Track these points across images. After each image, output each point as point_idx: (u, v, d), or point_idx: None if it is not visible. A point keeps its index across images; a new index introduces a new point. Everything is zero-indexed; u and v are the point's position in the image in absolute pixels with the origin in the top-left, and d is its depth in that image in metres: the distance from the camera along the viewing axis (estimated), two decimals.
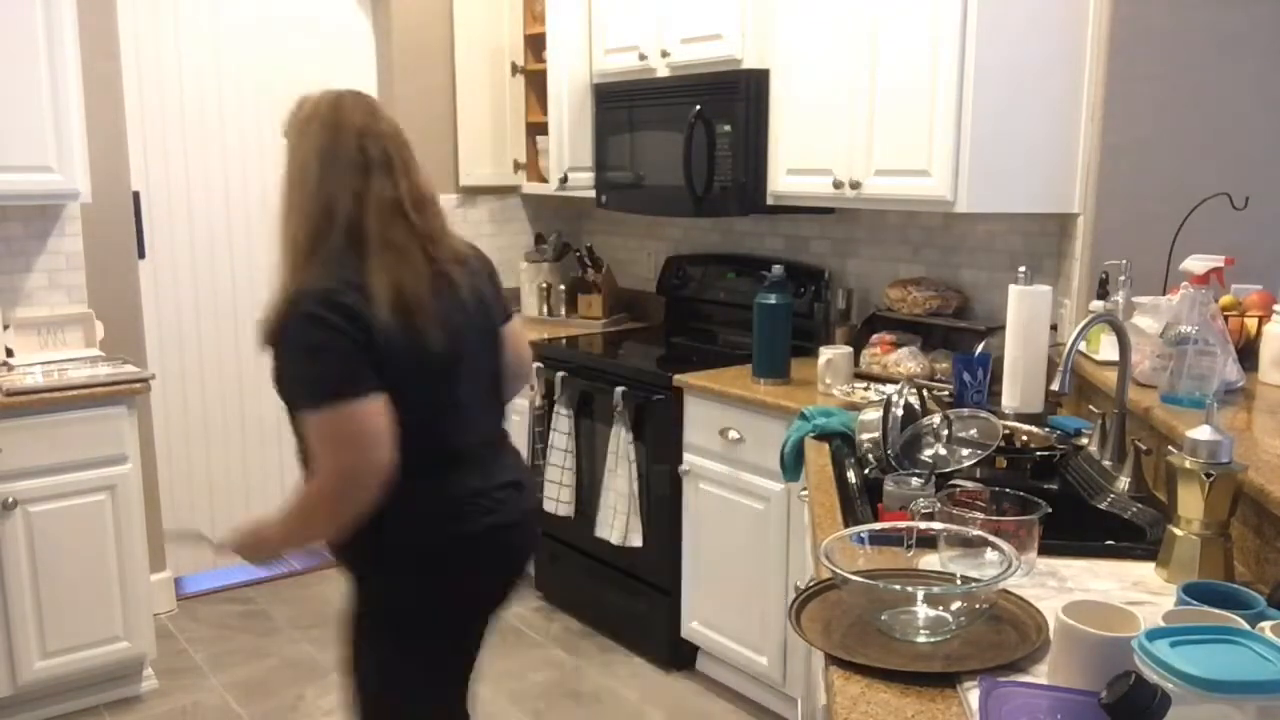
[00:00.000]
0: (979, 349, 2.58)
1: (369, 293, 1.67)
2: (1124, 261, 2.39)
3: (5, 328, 3.18)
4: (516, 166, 4.25)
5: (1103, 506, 1.88)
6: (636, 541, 3.27)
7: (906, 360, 2.91)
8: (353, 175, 1.74)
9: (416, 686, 1.90)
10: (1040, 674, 1.22)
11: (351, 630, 1.92)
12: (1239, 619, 1.11)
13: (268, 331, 1.69)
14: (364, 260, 1.71)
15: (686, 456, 3.13)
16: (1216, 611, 1.15)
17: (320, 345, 1.65)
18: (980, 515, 1.54)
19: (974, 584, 1.36)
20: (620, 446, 3.25)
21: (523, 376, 2.07)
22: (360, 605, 1.91)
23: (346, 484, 1.68)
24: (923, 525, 1.54)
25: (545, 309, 4.16)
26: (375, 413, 1.66)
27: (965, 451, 2.01)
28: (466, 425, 1.85)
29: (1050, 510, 1.57)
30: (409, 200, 1.79)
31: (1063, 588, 1.49)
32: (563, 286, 4.15)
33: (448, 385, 1.80)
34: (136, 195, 3.56)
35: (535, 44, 4.04)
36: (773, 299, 2.96)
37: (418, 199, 1.82)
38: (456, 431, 1.83)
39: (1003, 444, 2.06)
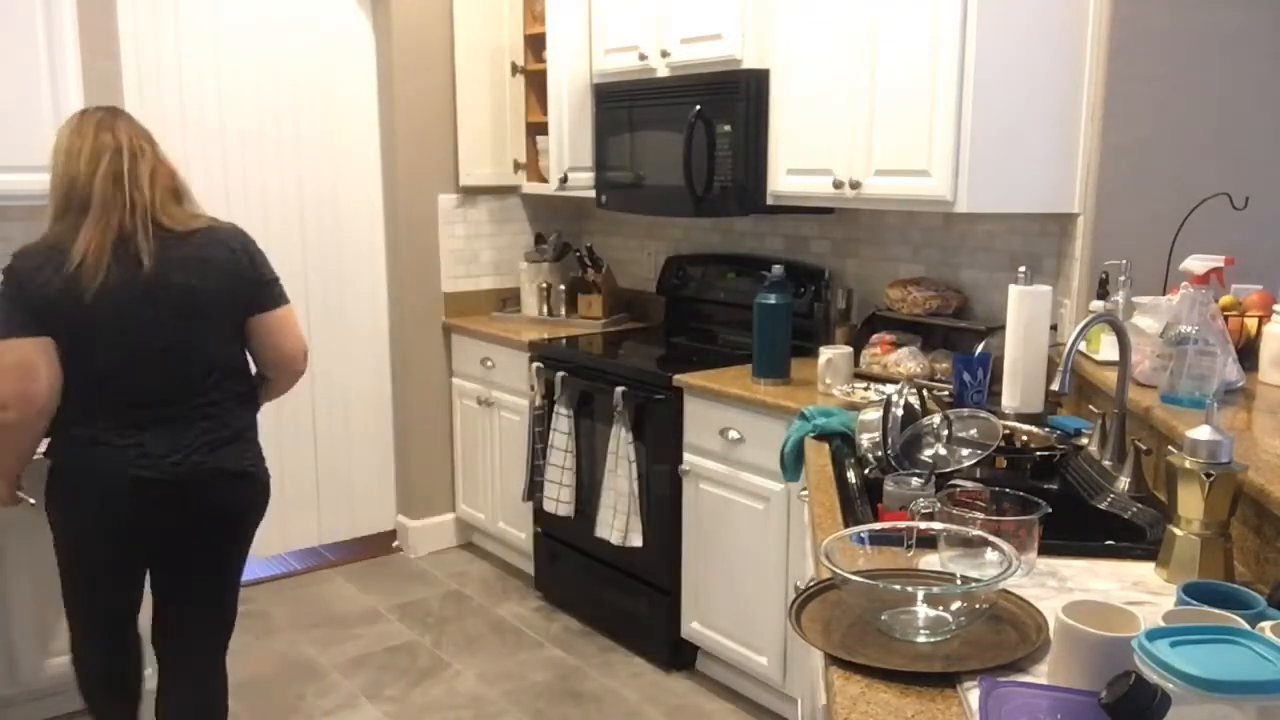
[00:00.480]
0: (979, 349, 2.58)
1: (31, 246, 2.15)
2: (1124, 261, 2.39)
3: None
4: (516, 166, 4.25)
5: (1103, 506, 1.88)
6: (636, 541, 3.27)
7: (906, 360, 2.91)
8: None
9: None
10: (1040, 674, 1.22)
11: None
12: (1239, 619, 1.11)
13: None
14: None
15: (686, 456, 3.13)
16: (1216, 611, 1.15)
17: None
18: (980, 515, 1.54)
19: (974, 584, 1.36)
20: (620, 446, 3.25)
21: (284, 364, 2.34)
22: None
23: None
24: (923, 525, 1.54)
25: (545, 309, 4.16)
26: (20, 349, 2.08)
27: (965, 451, 2.01)
28: (111, 379, 2.13)
29: (1050, 510, 1.57)
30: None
31: (1063, 588, 1.49)
32: (563, 286, 4.15)
33: (89, 334, 2.11)
34: None
35: (535, 44, 4.05)
36: (773, 299, 2.96)
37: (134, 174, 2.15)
38: (94, 387, 2.14)
39: (1003, 444, 2.06)
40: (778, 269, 3.00)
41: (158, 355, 2.13)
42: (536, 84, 4.07)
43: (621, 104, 3.57)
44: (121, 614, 2.36)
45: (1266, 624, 1.08)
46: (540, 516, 3.71)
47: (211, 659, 2.39)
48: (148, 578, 2.35)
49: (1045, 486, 2.01)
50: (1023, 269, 2.35)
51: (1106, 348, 2.36)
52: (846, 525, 1.77)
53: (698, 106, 3.20)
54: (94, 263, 2.06)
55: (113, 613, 2.35)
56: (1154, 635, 1.00)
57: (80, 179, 2.11)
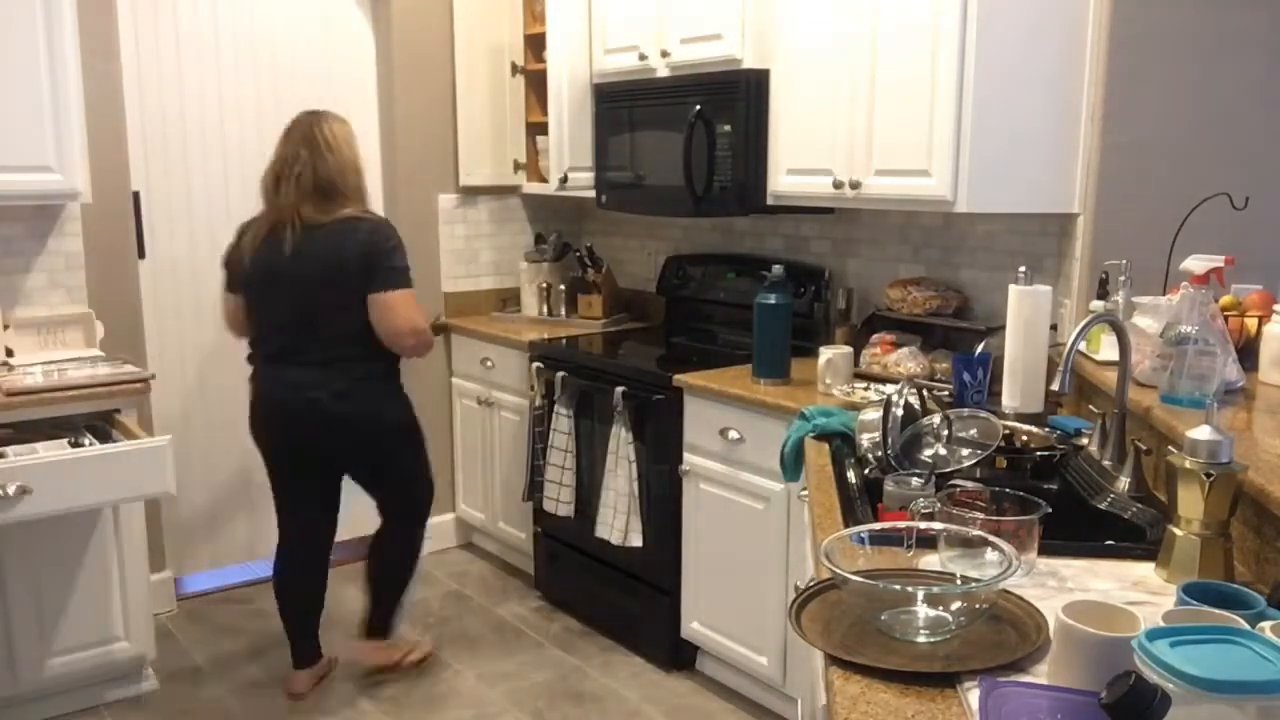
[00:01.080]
0: (979, 349, 2.58)
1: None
2: (1124, 261, 2.39)
3: (5, 328, 3.18)
4: (516, 166, 4.25)
5: (1103, 506, 1.88)
6: (636, 541, 3.27)
7: (906, 360, 2.91)
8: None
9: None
10: (1040, 674, 1.22)
11: None
12: (1239, 619, 1.11)
13: None
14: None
15: (686, 456, 3.13)
16: (1216, 611, 1.15)
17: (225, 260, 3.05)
18: (980, 515, 1.54)
19: (974, 584, 1.36)
20: (620, 446, 3.25)
21: (392, 339, 2.93)
22: None
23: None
24: (923, 525, 1.54)
25: (545, 309, 4.16)
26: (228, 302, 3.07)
27: (965, 451, 2.01)
28: (273, 323, 2.96)
29: (1050, 510, 1.57)
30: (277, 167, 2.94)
31: (1063, 588, 1.49)
32: (563, 286, 4.15)
33: (258, 291, 2.95)
34: (136, 195, 3.56)
35: (535, 44, 4.04)
36: (773, 299, 2.96)
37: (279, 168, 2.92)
38: (262, 333, 3.00)
39: (1003, 444, 2.06)
40: (778, 269, 3.00)
41: (290, 316, 2.89)
42: (536, 84, 4.07)
43: (621, 104, 3.57)
44: (314, 510, 3.18)
45: (1266, 624, 1.08)
46: (540, 516, 3.71)
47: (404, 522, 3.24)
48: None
49: (1045, 486, 2.01)
50: (1023, 269, 2.35)
51: (1106, 348, 2.36)
52: (846, 525, 1.77)
53: (698, 106, 3.20)
54: (250, 244, 2.91)
55: (307, 504, 3.15)
56: (1154, 635, 1.00)
57: (264, 179, 2.93)
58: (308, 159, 2.85)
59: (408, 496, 3.21)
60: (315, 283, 2.85)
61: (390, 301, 2.88)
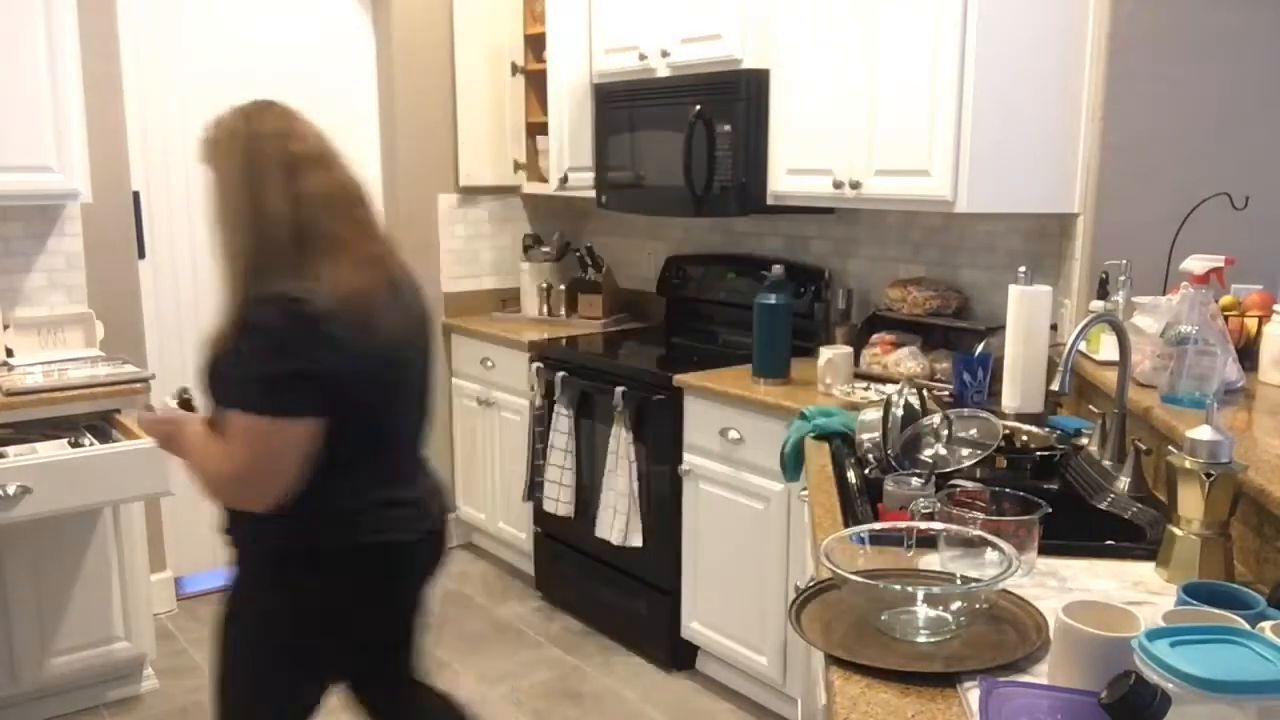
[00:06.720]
0: (979, 349, 2.58)
1: (320, 294, 1.63)
2: (1124, 261, 2.39)
3: (5, 328, 3.18)
4: (516, 166, 4.25)
5: (1103, 506, 1.87)
6: (636, 541, 3.27)
7: (906, 360, 2.91)
8: (281, 176, 1.70)
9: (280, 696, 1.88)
10: (1040, 674, 1.22)
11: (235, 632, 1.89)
12: (1239, 619, 1.11)
13: (235, 320, 1.68)
14: (312, 260, 1.67)
15: (686, 456, 3.13)
16: (1216, 611, 1.15)
17: (283, 349, 1.62)
18: (980, 515, 1.54)
19: (974, 584, 1.36)
20: (620, 446, 3.25)
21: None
22: (259, 603, 1.85)
23: (243, 484, 1.70)
24: (923, 525, 1.54)
25: (545, 309, 4.16)
26: (303, 436, 1.66)
27: (965, 451, 2.00)
28: (404, 435, 1.87)
29: (1050, 510, 1.57)
30: (349, 192, 1.78)
31: (1063, 588, 1.49)
32: (563, 286, 4.15)
33: (395, 391, 1.80)
34: (136, 195, 3.56)
35: (535, 44, 4.04)
36: (773, 299, 2.96)
37: (355, 193, 1.80)
38: (396, 442, 1.85)
39: (1003, 444, 2.06)
40: (778, 269, 3.00)
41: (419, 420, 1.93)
42: (536, 84, 4.07)
43: (621, 104, 3.57)
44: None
45: (1266, 624, 1.08)
46: (540, 516, 3.71)
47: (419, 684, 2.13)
48: None
49: (1045, 486, 2.01)
50: (1023, 269, 2.35)
51: (1106, 348, 2.36)
52: (846, 525, 1.76)
53: (698, 106, 3.20)
54: (386, 318, 1.81)
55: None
56: (1154, 635, 1.00)
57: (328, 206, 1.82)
58: (347, 163, 1.88)
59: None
60: (421, 337, 1.93)
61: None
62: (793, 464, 2.45)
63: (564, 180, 3.79)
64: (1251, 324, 2.24)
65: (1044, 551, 1.56)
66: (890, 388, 2.27)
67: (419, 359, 1.88)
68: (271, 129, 1.75)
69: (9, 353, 3.17)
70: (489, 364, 3.99)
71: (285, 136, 1.74)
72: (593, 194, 3.78)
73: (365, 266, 1.73)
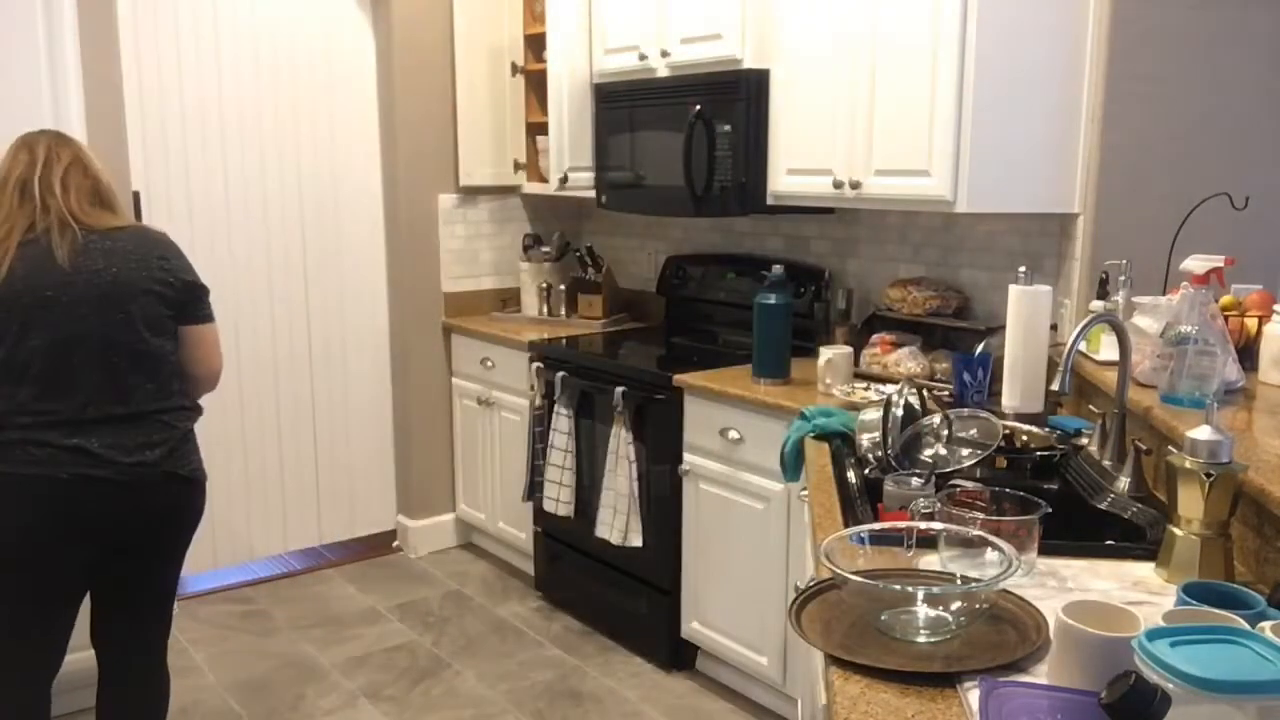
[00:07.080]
0: (979, 349, 2.58)
1: None
2: (1124, 261, 2.39)
3: None
4: (516, 166, 4.25)
5: (1103, 506, 1.88)
6: (636, 541, 3.27)
7: (906, 360, 2.91)
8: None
9: None
10: (1040, 674, 1.22)
11: None
12: (1239, 619, 1.11)
13: None
14: None
15: (686, 456, 3.13)
16: (1216, 611, 1.15)
17: None
18: (980, 515, 1.54)
19: (974, 584, 1.36)
20: (620, 446, 3.25)
21: (195, 379, 2.33)
22: None
23: None
24: (923, 525, 1.54)
25: (545, 309, 4.16)
26: None
27: (965, 451, 2.01)
28: (58, 380, 2.07)
29: (1050, 510, 1.57)
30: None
31: (1063, 588, 1.49)
32: (563, 286, 4.15)
33: (23, 332, 2.05)
34: (136, 195, 3.55)
35: (535, 44, 4.04)
36: (773, 299, 2.96)
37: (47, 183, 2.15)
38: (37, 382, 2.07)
39: (1003, 444, 2.06)
40: (778, 269, 3.00)
41: (85, 345, 2.07)
42: (536, 84, 4.07)
43: (621, 104, 3.57)
44: (42, 663, 2.22)
45: (1266, 624, 1.08)
46: (540, 516, 3.71)
47: (158, 660, 2.39)
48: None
49: (1045, 486, 2.01)
50: (1023, 269, 2.35)
51: (1106, 348, 2.36)
52: (846, 525, 1.77)
53: (698, 106, 3.20)
54: None
55: (33, 659, 2.20)
56: (1154, 635, 1.00)
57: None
58: (65, 157, 2.23)
59: (169, 613, 2.41)
60: (110, 295, 2.13)
61: (203, 336, 2.33)
62: (793, 464, 2.45)
63: (564, 180, 3.79)
64: (1251, 324, 2.24)
65: (1044, 551, 1.57)
66: (890, 388, 2.27)
67: (61, 311, 2.06)
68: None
69: None
70: (489, 364, 3.99)
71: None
72: (593, 194, 3.78)
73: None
